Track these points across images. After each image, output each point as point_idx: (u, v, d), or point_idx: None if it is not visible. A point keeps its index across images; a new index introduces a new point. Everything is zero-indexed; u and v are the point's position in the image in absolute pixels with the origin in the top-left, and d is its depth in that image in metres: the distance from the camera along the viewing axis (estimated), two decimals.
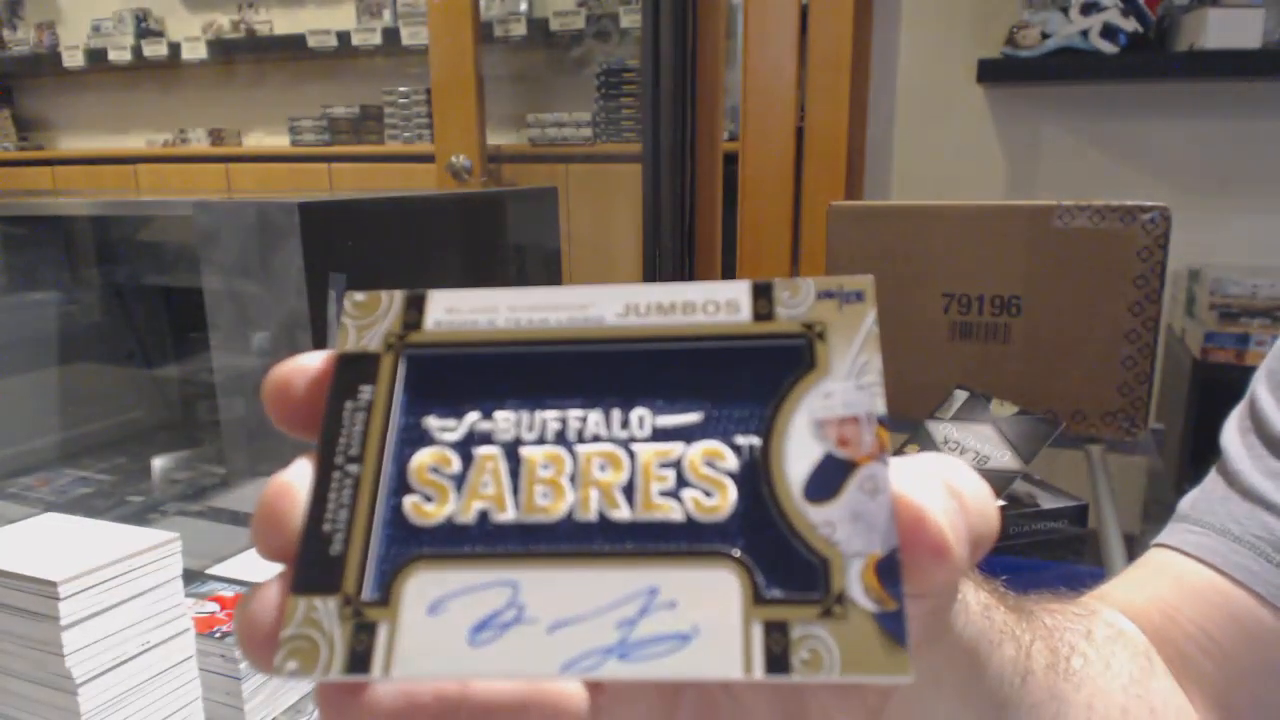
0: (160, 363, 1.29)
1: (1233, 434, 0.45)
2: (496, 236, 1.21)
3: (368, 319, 0.20)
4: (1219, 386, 1.64)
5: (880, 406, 0.18)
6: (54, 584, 0.53)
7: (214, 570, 0.70)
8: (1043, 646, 0.28)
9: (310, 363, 0.19)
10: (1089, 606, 0.39)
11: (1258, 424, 0.44)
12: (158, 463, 1.11)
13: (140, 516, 0.96)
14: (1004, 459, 0.88)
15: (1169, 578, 0.42)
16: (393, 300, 0.20)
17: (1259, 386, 0.45)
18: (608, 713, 0.21)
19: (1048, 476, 0.95)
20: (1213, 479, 0.45)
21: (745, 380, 0.19)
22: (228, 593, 0.66)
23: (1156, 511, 1.03)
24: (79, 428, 1.19)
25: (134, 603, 0.57)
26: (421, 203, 1.16)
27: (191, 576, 0.66)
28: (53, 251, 1.22)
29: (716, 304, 0.19)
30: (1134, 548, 0.86)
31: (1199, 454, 1.63)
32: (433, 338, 0.19)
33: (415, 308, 0.20)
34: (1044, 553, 0.87)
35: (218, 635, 0.61)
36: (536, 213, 1.34)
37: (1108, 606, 0.41)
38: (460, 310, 0.19)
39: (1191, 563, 0.42)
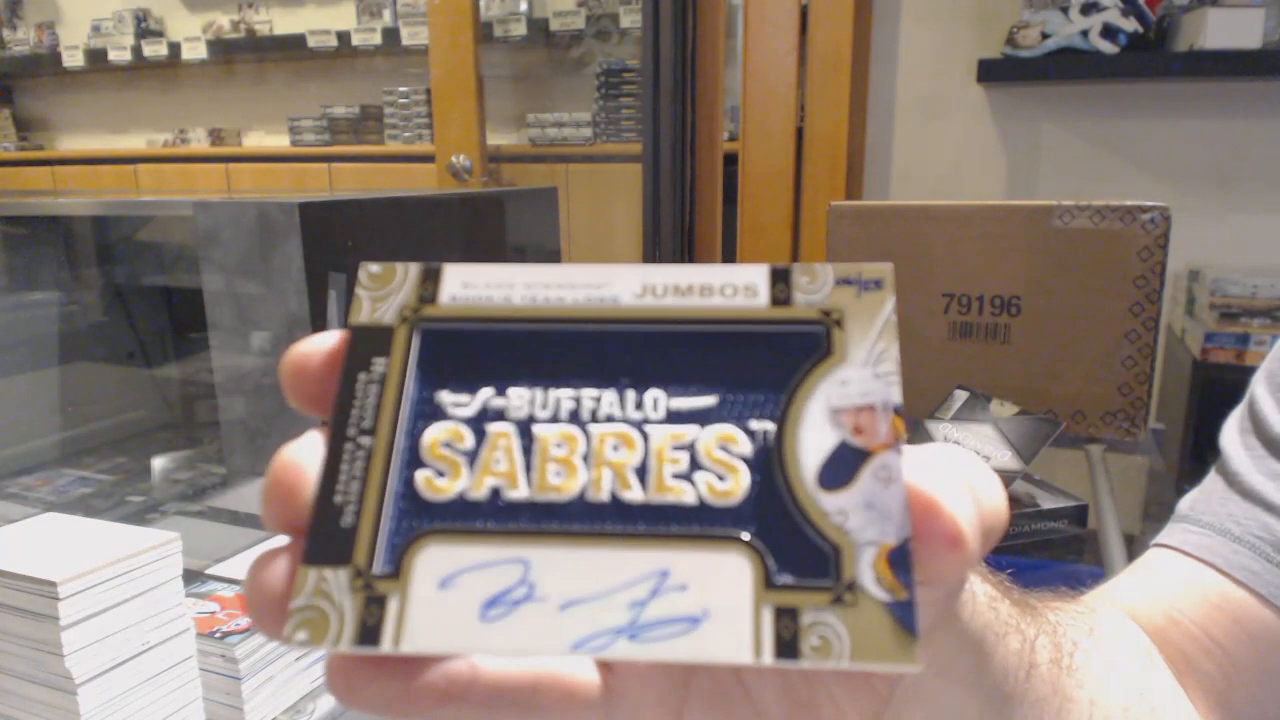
0: (160, 363, 1.29)
1: (1232, 435, 0.45)
2: (496, 236, 1.21)
3: (382, 291, 0.20)
4: (1219, 386, 1.64)
5: (896, 396, 0.18)
6: (54, 584, 0.53)
7: (214, 570, 0.70)
8: (1047, 641, 0.28)
9: (327, 340, 0.19)
10: (1091, 605, 0.39)
11: (1257, 425, 0.44)
12: (158, 463, 1.11)
13: (140, 516, 0.96)
14: (1004, 459, 0.88)
15: (1170, 578, 0.42)
16: (408, 273, 0.20)
17: (1258, 387, 0.45)
18: (618, 696, 0.21)
19: (1048, 476, 0.94)
20: (1212, 479, 0.45)
21: (761, 365, 0.19)
22: (228, 593, 0.66)
23: (1156, 511, 1.03)
24: (79, 428, 1.19)
25: (134, 603, 0.57)
26: (421, 203, 1.16)
27: (191, 576, 0.66)
28: (53, 251, 1.22)
29: (734, 287, 0.19)
30: (1134, 548, 0.86)
31: (1199, 454, 1.64)
32: (447, 312, 0.19)
33: (430, 281, 0.20)
34: (1044, 553, 0.86)
35: (218, 635, 0.61)
36: (536, 212, 1.34)
37: (1109, 605, 0.41)
38: (475, 285, 0.20)
39: (1193, 563, 0.42)
